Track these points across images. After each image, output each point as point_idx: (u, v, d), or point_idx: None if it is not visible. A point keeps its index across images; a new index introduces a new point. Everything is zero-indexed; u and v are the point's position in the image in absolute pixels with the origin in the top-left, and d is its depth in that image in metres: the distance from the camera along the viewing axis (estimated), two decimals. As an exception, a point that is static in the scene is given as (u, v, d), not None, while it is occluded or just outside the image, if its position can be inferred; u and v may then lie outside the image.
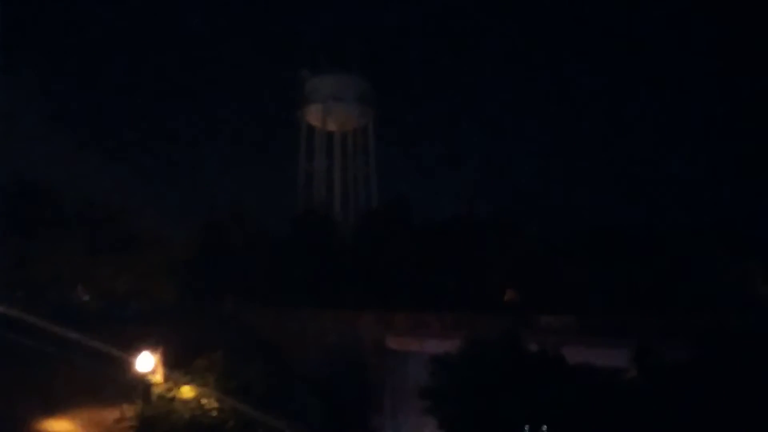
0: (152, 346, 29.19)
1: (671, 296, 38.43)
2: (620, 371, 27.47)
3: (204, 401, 30.62)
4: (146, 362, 28.26)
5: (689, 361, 24.89)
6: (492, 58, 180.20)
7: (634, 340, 29.13)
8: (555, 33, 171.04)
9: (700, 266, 42.07)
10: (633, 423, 23.70)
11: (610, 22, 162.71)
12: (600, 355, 30.00)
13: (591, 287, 44.32)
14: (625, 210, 53.41)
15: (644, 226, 49.91)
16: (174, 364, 30.89)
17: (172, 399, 30.31)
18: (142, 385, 28.26)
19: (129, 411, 30.50)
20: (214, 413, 30.51)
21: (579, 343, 32.04)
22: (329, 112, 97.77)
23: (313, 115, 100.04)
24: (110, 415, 30.82)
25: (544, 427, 25.91)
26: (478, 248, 53.06)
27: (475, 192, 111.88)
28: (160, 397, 29.96)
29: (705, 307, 35.07)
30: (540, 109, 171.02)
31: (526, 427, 26.11)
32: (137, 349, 28.59)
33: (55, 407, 33.78)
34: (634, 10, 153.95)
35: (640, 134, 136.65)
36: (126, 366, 29.24)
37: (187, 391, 30.60)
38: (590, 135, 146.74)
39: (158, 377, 29.19)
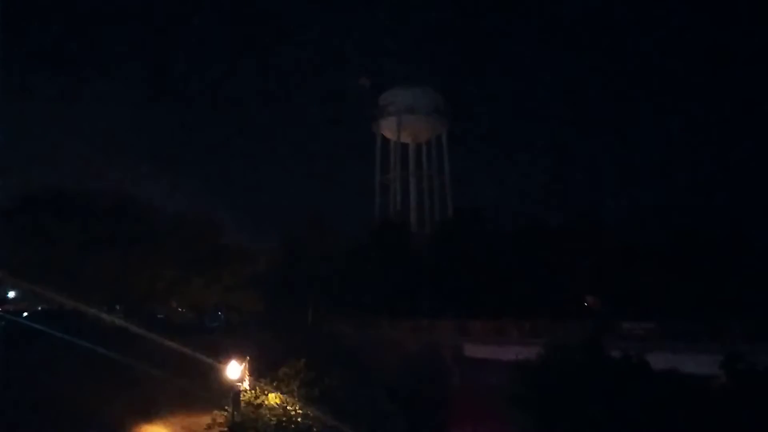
0: (240, 355, 30.47)
1: (760, 299, 36.47)
2: (709, 378, 26.47)
3: (289, 408, 31.69)
4: (235, 370, 29.49)
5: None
6: (565, 58, 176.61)
7: (723, 345, 28.04)
8: (632, 32, 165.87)
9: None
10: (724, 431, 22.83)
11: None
12: (687, 362, 28.95)
13: (675, 291, 42.65)
14: (711, 211, 50.82)
15: (731, 226, 47.57)
16: (260, 372, 32.16)
17: (260, 406, 31.54)
18: (231, 392, 29.51)
19: (219, 417, 32.00)
20: (300, 420, 31.51)
21: (664, 350, 31.04)
22: (403, 124, 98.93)
23: (387, 128, 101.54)
24: (202, 421, 32.45)
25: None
26: (555, 254, 52.14)
27: (551, 197, 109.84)
28: (248, 404, 31.24)
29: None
30: (618, 109, 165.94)
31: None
32: (226, 358, 29.89)
33: (151, 413, 35.98)
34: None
35: (726, 133, 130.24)
36: (216, 374, 30.67)
37: (273, 399, 31.77)
38: (672, 136, 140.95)
39: (246, 385, 30.42)
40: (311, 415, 31.38)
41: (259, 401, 31.69)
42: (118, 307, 56.27)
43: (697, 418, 24.29)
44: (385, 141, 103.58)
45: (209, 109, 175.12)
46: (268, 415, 31.33)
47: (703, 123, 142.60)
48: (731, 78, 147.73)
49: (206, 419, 32.93)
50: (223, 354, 30.80)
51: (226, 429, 30.30)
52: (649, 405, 25.00)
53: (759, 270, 40.80)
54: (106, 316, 47.58)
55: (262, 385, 32.16)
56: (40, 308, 57.06)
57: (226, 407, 30.44)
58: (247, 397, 31.19)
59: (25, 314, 53.91)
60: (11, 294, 59.79)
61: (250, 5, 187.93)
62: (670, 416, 24.34)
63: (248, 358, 30.88)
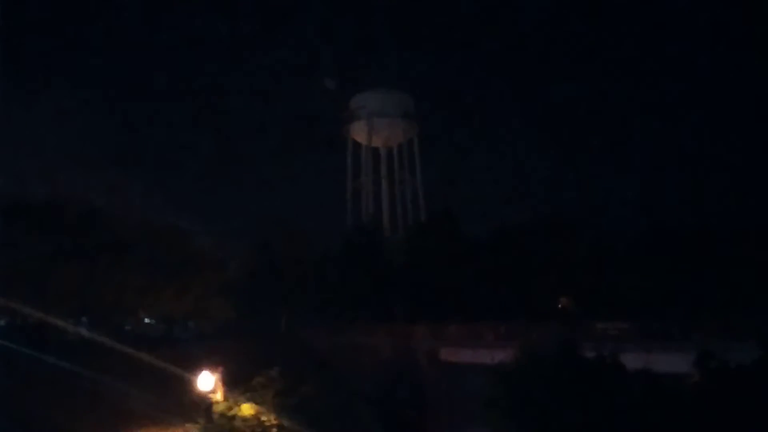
0: (212, 366, 29.88)
1: (732, 298, 37.10)
2: (683, 376, 26.68)
3: (264, 418, 31.21)
4: (207, 381, 28.89)
5: (754, 364, 24.02)
6: (533, 59, 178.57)
7: (696, 344, 28.31)
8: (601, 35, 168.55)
9: (761, 266, 40.47)
10: (698, 429, 22.97)
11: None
12: (660, 361, 29.15)
13: (648, 291, 43.17)
14: (682, 211, 51.74)
15: (702, 226, 48.40)
16: (233, 383, 31.56)
17: (233, 417, 30.98)
18: (203, 403, 28.90)
19: (192, 429, 31.34)
20: (275, 430, 31.06)
21: (638, 349, 31.25)
22: (374, 128, 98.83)
23: (358, 132, 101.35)
24: (174, 433, 31.73)
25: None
26: (528, 256, 52.46)
27: (523, 199, 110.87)
28: (222, 415, 30.64)
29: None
30: (587, 110, 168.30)
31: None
32: (198, 369, 29.26)
33: (121, 426, 35.00)
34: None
35: (697, 133, 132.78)
36: (187, 386, 29.98)
37: (246, 409, 31.24)
38: (640, 135, 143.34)
39: (219, 396, 29.82)
40: (286, 425, 30.96)
41: (232, 412, 31.11)
42: (84, 319, 54.88)
43: (672, 416, 24.44)
44: (357, 145, 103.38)
45: (176, 114, 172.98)
46: (242, 427, 30.83)
47: (675, 121, 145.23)
48: (705, 73, 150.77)
49: (179, 432, 32.27)
50: (195, 365, 30.17)
51: (198, 442, 29.74)
52: (624, 405, 25.09)
53: (730, 267, 41.51)
54: (72, 328, 46.41)
55: (235, 395, 31.59)
56: (2, 322, 55.36)
57: (199, 420, 29.83)
58: (220, 408, 30.58)
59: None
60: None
61: (214, 10, 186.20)
62: (645, 416, 24.45)
63: (221, 368, 30.30)
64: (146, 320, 63.16)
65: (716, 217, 50.69)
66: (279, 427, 31.05)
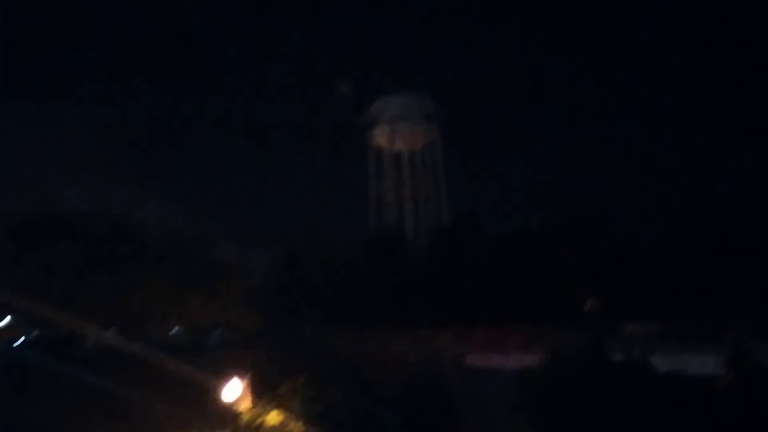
0: (239, 374, 30.01)
1: (764, 296, 36.29)
2: (715, 378, 26.17)
3: (291, 427, 31.22)
4: (234, 390, 29.02)
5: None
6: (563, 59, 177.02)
7: (728, 344, 27.75)
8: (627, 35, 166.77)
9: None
10: (732, 432, 22.48)
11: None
12: (691, 362, 28.64)
13: (677, 291, 42.42)
14: (713, 209, 50.80)
15: (733, 225, 47.44)
16: (260, 391, 31.65)
17: (260, 426, 31.04)
18: (230, 413, 29.02)
19: (219, 438, 31.47)
20: (302, 438, 31.05)
21: (668, 351, 30.73)
22: (396, 132, 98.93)
23: (380, 136, 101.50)
24: (201, 443, 31.85)
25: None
26: (554, 257, 51.91)
27: (549, 200, 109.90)
28: (248, 424, 30.73)
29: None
30: (617, 107, 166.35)
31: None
32: (225, 378, 29.42)
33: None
34: None
35: (729, 132, 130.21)
36: (214, 394, 30.16)
37: (273, 418, 31.28)
38: (673, 134, 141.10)
39: (245, 404, 29.93)
40: (313, 432, 30.94)
41: (259, 421, 31.20)
42: (112, 330, 55.67)
43: (703, 419, 23.97)
44: (379, 149, 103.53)
45: (200, 124, 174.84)
46: (270, 435, 30.88)
47: (701, 122, 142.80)
48: (727, 77, 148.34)
49: (206, 442, 32.39)
50: (222, 374, 30.35)
51: (226, 451, 29.84)
52: (654, 408, 24.66)
53: (761, 266, 40.64)
54: (101, 340, 47.10)
55: (263, 403, 31.69)
56: (34, 334, 56.36)
57: (226, 429, 29.98)
58: (247, 417, 30.70)
59: (21, 340, 53.25)
60: (4, 321, 59.08)
61: (236, 11, 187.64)
62: (675, 419, 24.00)
63: (247, 376, 30.44)
64: (175, 329, 63.83)
65: (746, 214, 49.66)
66: (305, 434, 31.05)
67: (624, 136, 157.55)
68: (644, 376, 27.14)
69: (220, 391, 29.53)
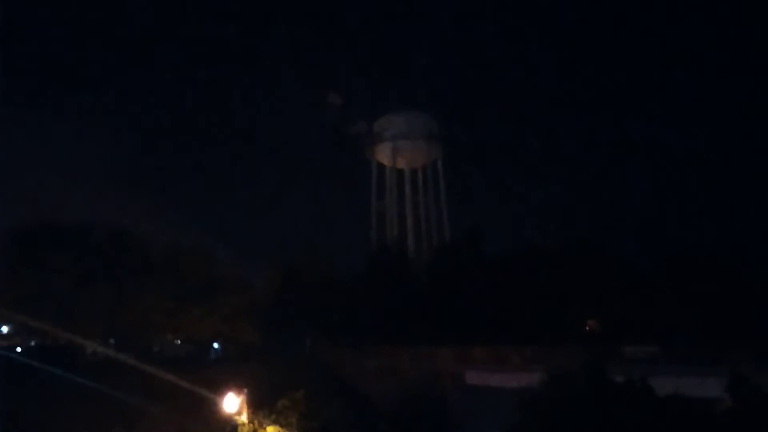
0: (237, 388, 29.98)
1: (764, 322, 36.24)
2: (714, 401, 26.08)
3: (289, 441, 31.10)
4: (232, 403, 28.97)
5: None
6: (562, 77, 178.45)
7: (727, 368, 27.67)
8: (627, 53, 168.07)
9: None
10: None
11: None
12: (691, 385, 28.53)
13: (678, 314, 42.37)
14: (713, 234, 50.87)
15: (734, 250, 47.47)
16: (258, 405, 31.60)
17: (258, 439, 30.93)
18: (228, 426, 28.93)
19: (217, 452, 31.34)
20: (299, 453, 30.94)
21: (668, 373, 30.64)
22: (398, 150, 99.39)
23: (382, 154, 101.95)
24: (199, 455, 31.77)
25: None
26: (555, 278, 51.85)
27: (550, 221, 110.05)
28: (246, 437, 30.61)
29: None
30: (620, 129, 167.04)
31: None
32: (223, 391, 29.38)
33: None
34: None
35: (729, 156, 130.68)
36: (213, 408, 30.10)
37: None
38: (671, 158, 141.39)
39: (243, 418, 29.84)
40: (311, 448, 30.84)
41: (257, 435, 31.10)
42: (112, 340, 55.62)
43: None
44: (381, 167, 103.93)
45: (202, 139, 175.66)
46: (267, 449, 30.77)
47: (702, 146, 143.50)
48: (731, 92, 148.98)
49: (204, 454, 32.29)
50: (220, 387, 30.31)
51: (224, 464, 29.72)
52: (654, 430, 24.57)
53: (761, 291, 40.62)
54: (99, 350, 47.05)
55: (260, 417, 31.59)
56: (33, 343, 56.33)
57: (225, 442, 29.86)
58: (245, 431, 30.62)
59: (18, 349, 53.19)
60: (4, 329, 59.05)
61: (237, 26, 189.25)
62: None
63: (245, 390, 30.40)
64: (175, 342, 63.78)
65: (747, 239, 49.73)
66: (303, 450, 30.96)
67: (627, 158, 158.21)
68: (644, 399, 27.07)
69: (220, 403, 29.54)
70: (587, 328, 53.08)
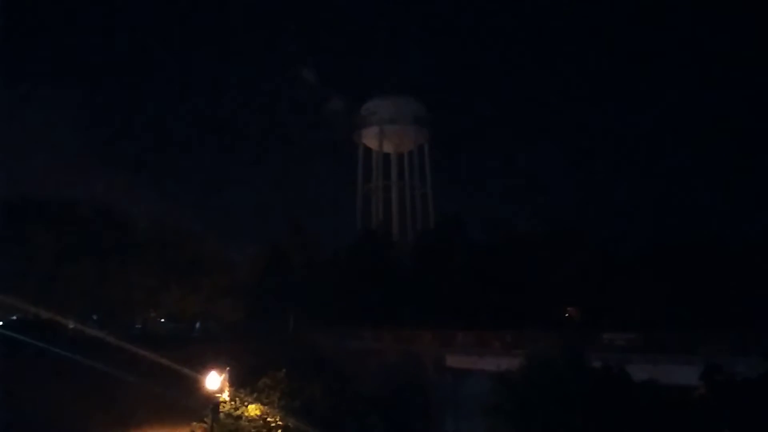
0: (219, 366, 30.12)
1: (739, 312, 36.86)
2: (689, 389, 26.66)
3: (269, 419, 31.41)
4: (214, 381, 29.12)
5: (760, 377, 23.98)
6: (549, 68, 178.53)
7: (703, 357, 28.26)
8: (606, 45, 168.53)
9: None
10: (703, 442, 22.97)
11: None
12: (667, 373, 29.13)
13: (655, 303, 42.95)
14: (692, 223, 51.45)
15: (712, 239, 48.11)
16: (240, 383, 31.81)
17: (239, 417, 31.22)
18: (210, 403, 29.12)
19: (198, 429, 31.61)
20: (280, 431, 31.26)
21: (644, 361, 31.23)
22: (385, 134, 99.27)
23: (369, 138, 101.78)
24: (181, 432, 32.03)
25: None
26: (536, 264, 52.34)
27: (532, 207, 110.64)
28: (228, 415, 30.88)
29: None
30: (604, 117, 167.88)
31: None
32: (205, 369, 29.49)
33: (128, 424, 35.37)
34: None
35: (706, 145, 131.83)
36: (195, 385, 30.24)
37: (253, 410, 31.47)
38: (652, 146, 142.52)
39: (225, 396, 30.04)
40: (292, 426, 31.15)
41: (239, 412, 31.37)
42: (94, 317, 55.40)
43: (677, 428, 24.46)
44: (368, 151, 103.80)
45: (189, 118, 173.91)
46: (248, 427, 31.06)
47: (686, 135, 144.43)
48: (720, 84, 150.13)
49: (186, 431, 32.54)
50: (203, 364, 30.40)
51: (204, 441, 29.96)
52: (630, 416, 25.09)
53: (737, 280, 41.28)
54: (81, 325, 46.84)
55: (242, 395, 31.84)
56: (14, 317, 55.92)
57: (205, 419, 30.06)
58: (226, 408, 30.83)
59: (0, 323, 52.82)
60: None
61: (223, 12, 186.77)
62: (650, 427, 24.46)
63: (228, 368, 30.54)
64: (159, 319, 63.69)
65: (724, 228, 50.41)
66: (284, 428, 31.27)
67: (609, 146, 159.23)
68: (621, 384, 27.62)
69: (201, 381, 29.68)
70: (567, 315, 53.71)
